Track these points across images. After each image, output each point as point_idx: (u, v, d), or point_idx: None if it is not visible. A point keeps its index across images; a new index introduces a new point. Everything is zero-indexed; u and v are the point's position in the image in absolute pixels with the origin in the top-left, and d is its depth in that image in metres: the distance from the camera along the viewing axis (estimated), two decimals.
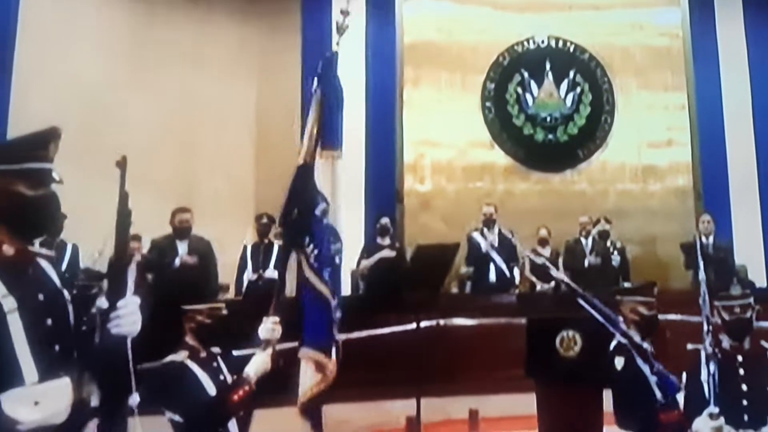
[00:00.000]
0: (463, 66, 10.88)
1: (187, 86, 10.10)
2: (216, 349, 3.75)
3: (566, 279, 4.66)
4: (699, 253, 4.07)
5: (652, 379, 3.84)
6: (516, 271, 9.04)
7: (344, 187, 10.11)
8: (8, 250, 2.10)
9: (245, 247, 8.68)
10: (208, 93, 10.23)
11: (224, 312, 3.79)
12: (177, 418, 3.45)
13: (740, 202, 10.62)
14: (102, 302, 2.20)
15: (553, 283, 9.11)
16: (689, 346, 3.93)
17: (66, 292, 2.21)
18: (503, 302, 8.24)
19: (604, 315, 4.12)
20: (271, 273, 8.49)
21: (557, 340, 5.04)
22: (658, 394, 3.79)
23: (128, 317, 2.15)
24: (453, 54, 10.85)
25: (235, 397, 3.37)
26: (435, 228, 9.96)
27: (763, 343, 3.73)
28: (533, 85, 10.98)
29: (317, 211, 3.91)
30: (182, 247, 7.68)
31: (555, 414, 5.08)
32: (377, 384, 6.30)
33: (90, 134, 8.64)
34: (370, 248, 8.85)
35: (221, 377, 3.59)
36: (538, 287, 9.19)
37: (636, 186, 10.97)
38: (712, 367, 3.44)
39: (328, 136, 4.07)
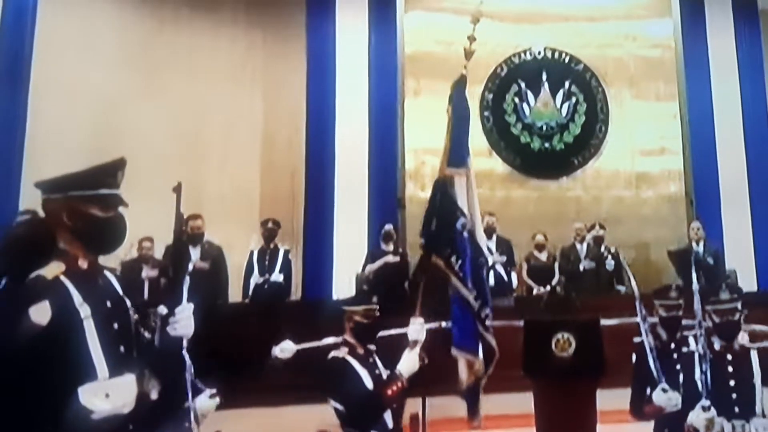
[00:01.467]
0: None
1: (195, 94, 10.33)
2: (372, 346, 4.05)
3: (633, 282, 4.88)
4: (693, 263, 4.35)
5: (654, 372, 4.20)
6: (513, 275, 9.30)
7: (348, 194, 10.43)
8: (83, 263, 2.40)
9: (252, 252, 8.89)
10: (215, 101, 10.47)
11: (377, 313, 4.07)
12: (339, 407, 3.78)
13: (731, 209, 10.79)
14: (161, 308, 2.52)
15: (548, 287, 9.39)
16: (684, 349, 4.28)
17: (128, 300, 2.52)
18: (501, 305, 8.45)
19: (642, 316, 4.46)
20: (277, 277, 8.75)
21: (553, 342, 5.25)
22: (664, 386, 4.16)
23: (184, 321, 2.51)
24: (452, 65, 10.94)
25: (389, 391, 3.72)
26: None
27: (745, 342, 4.03)
28: (530, 95, 11.21)
29: (458, 225, 4.18)
30: (195, 253, 7.89)
31: (551, 412, 5.25)
32: None
33: (102, 142, 8.89)
34: (374, 253, 9.09)
35: (377, 372, 3.88)
36: (535, 290, 9.44)
37: (629, 193, 11.19)
38: (704, 365, 3.75)
39: (453, 154, 4.38)
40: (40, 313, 2.19)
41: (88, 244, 2.42)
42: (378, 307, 4.09)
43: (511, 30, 11.34)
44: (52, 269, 2.32)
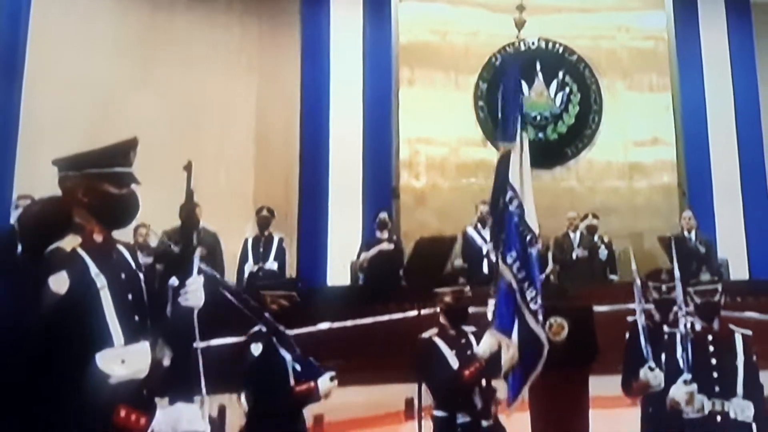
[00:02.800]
0: (456, 66, 11.10)
1: (190, 83, 10.33)
2: (470, 328, 4.07)
3: (633, 265, 4.88)
4: (673, 248, 4.41)
5: (644, 351, 4.27)
6: None
7: (342, 183, 10.46)
8: (98, 237, 2.50)
9: (246, 240, 8.95)
10: (209, 89, 10.48)
11: (468, 294, 4.09)
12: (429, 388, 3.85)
13: (723, 199, 10.86)
14: (173, 281, 2.61)
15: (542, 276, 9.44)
16: (666, 329, 4.37)
17: (141, 274, 2.63)
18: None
19: (639, 298, 4.53)
20: (271, 265, 8.80)
21: (546, 326, 5.34)
22: (651, 364, 4.24)
23: (195, 293, 2.59)
24: (447, 55, 11.09)
25: (467, 372, 3.77)
26: (430, 223, 10.20)
27: (731, 326, 4.13)
28: (524, 85, 11.21)
29: (506, 199, 4.20)
30: None
31: (544, 397, 5.34)
32: (379, 368, 6.54)
33: (96, 131, 8.88)
34: (369, 242, 9.16)
35: (468, 353, 3.90)
36: None
37: (622, 183, 11.25)
38: (686, 344, 3.85)
39: (501, 130, 4.42)
40: (59, 283, 2.31)
41: (102, 220, 2.52)
42: (468, 288, 4.10)
43: (506, 20, 11.31)
44: (69, 242, 2.43)
